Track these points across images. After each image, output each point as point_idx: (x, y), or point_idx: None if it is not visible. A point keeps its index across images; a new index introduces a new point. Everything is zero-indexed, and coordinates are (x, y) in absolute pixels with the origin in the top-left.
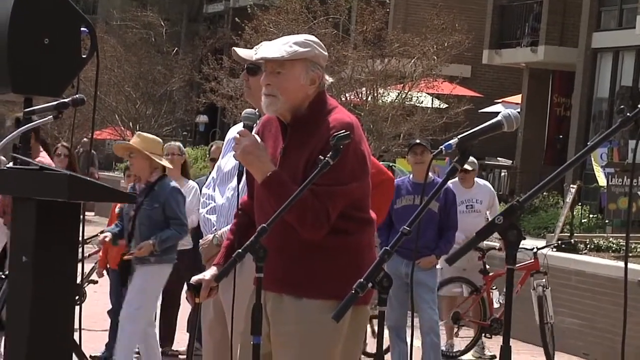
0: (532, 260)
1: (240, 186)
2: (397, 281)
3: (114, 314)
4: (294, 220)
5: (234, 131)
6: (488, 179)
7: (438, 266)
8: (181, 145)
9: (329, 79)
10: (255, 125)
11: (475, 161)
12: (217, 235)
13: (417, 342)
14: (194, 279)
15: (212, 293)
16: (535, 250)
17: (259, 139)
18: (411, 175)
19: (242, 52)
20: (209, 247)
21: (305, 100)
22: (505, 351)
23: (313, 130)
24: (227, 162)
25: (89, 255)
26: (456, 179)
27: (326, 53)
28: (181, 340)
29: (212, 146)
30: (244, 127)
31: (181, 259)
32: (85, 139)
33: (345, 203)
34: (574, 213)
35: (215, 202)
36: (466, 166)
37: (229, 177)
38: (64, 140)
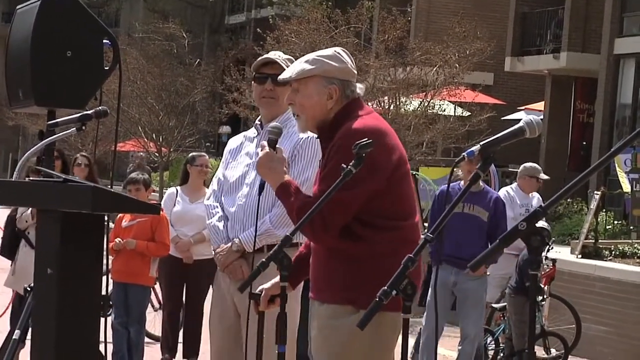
0: (551, 268)
1: (261, 196)
2: (443, 291)
3: (118, 325)
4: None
5: (233, 142)
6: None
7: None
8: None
9: (359, 88)
10: (279, 138)
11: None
12: (236, 242)
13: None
14: (258, 288)
15: (276, 301)
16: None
17: (280, 152)
18: (461, 182)
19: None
20: (227, 254)
21: (328, 114)
22: (529, 356)
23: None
24: (234, 173)
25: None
26: (515, 184)
27: (345, 65)
28: (206, 352)
29: None
30: (268, 140)
31: (202, 269)
32: (141, 153)
33: (352, 208)
34: (598, 219)
35: (223, 211)
36: (542, 176)
37: (236, 187)
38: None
